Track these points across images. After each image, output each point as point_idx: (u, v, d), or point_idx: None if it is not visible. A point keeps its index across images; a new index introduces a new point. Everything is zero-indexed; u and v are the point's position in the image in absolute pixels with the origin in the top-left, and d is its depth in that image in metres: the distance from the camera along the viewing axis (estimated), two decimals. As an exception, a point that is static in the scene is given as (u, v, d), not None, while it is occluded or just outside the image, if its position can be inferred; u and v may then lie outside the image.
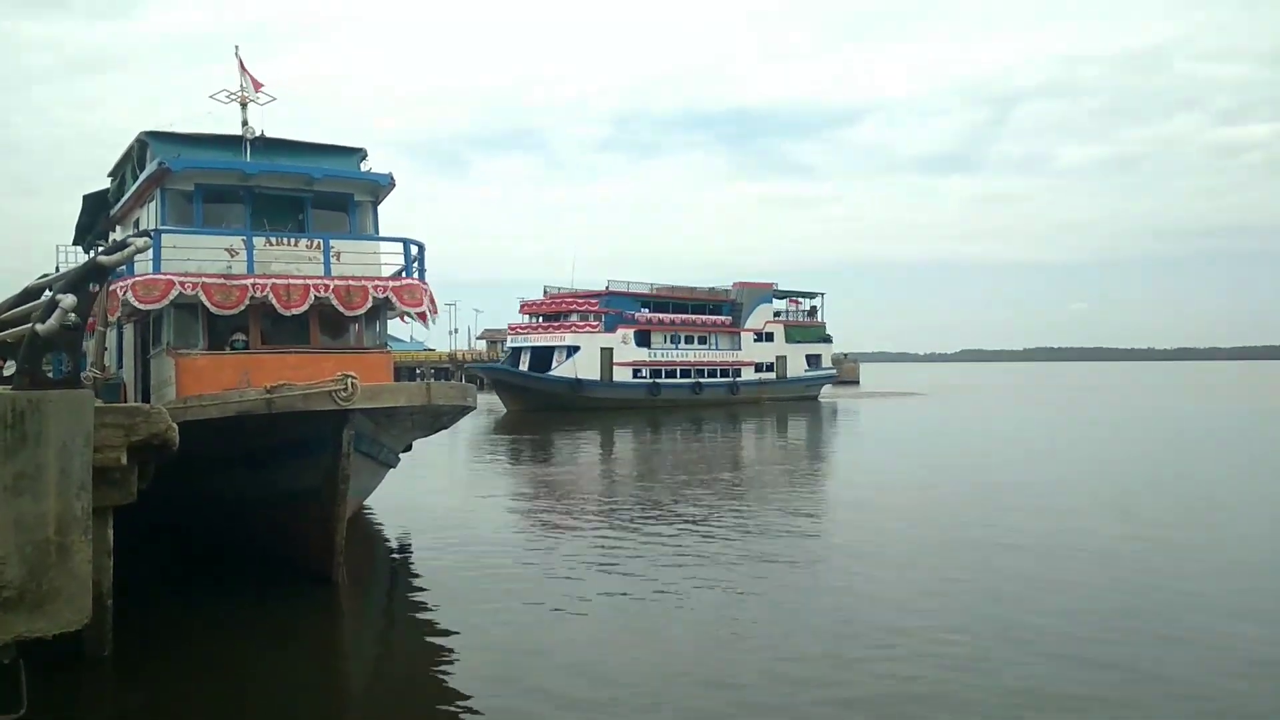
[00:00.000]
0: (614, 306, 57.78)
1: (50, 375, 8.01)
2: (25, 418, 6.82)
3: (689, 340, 61.22)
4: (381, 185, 17.15)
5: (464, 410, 14.41)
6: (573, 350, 55.29)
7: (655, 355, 58.43)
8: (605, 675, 8.92)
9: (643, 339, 58.39)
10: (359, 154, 18.06)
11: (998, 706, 7.99)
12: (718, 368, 61.82)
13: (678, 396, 57.78)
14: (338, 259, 15.85)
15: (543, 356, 56.46)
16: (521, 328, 60.08)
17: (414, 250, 16.88)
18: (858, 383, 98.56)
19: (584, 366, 54.38)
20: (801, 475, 24.95)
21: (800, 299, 71.28)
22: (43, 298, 9.42)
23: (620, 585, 12.29)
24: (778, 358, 65.35)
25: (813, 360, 68.11)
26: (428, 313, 16.79)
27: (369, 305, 15.63)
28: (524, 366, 57.03)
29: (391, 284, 16.01)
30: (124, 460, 8.46)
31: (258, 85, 17.39)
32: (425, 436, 16.01)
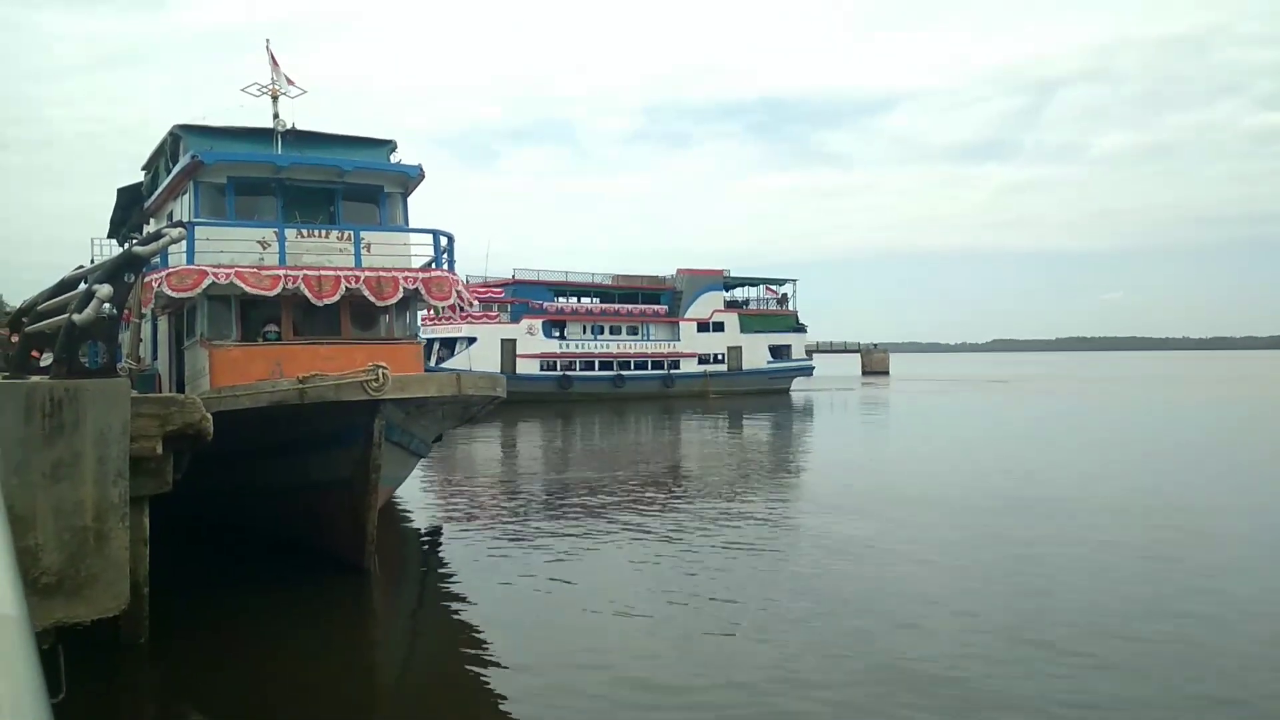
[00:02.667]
0: (521, 296, 55.76)
1: (87, 365, 8.10)
2: (63, 406, 6.91)
3: (615, 330, 58.48)
4: (411, 177, 17.22)
5: (493, 400, 14.45)
6: (471, 341, 53.16)
7: (569, 346, 55.53)
8: (635, 667, 8.92)
9: (556, 330, 55.85)
10: (389, 146, 18.15)
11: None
12: (649, 359, 58.57)
13: (596, 389, 55.08)
14: (368, 250, 15.95)
15: (450, 348, 53.85)
16: (429, 319, 57.18)
17: (443, 241, 16.96)
18: (887, 374, 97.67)
19: (480, 358, 50.98)
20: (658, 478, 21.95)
21: (771, 286, 67.32)
22: (79, 288, 9.53)
23: (640, 577, 12.28)
24: (730, 348, 61.59)
25: (780, 351, 64.63)
26: (456, 305, 16.88)
27: (399, 296, 15.72)
28: (432, 360, 53.56)
29: (422, 275, 16.10)
30: (159, 450, 8.55)
31: (289, 81, 17.50)
32: (455, 427, 16.07)
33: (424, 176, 17.33)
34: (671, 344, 59.85)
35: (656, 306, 60.89)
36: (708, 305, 61.60)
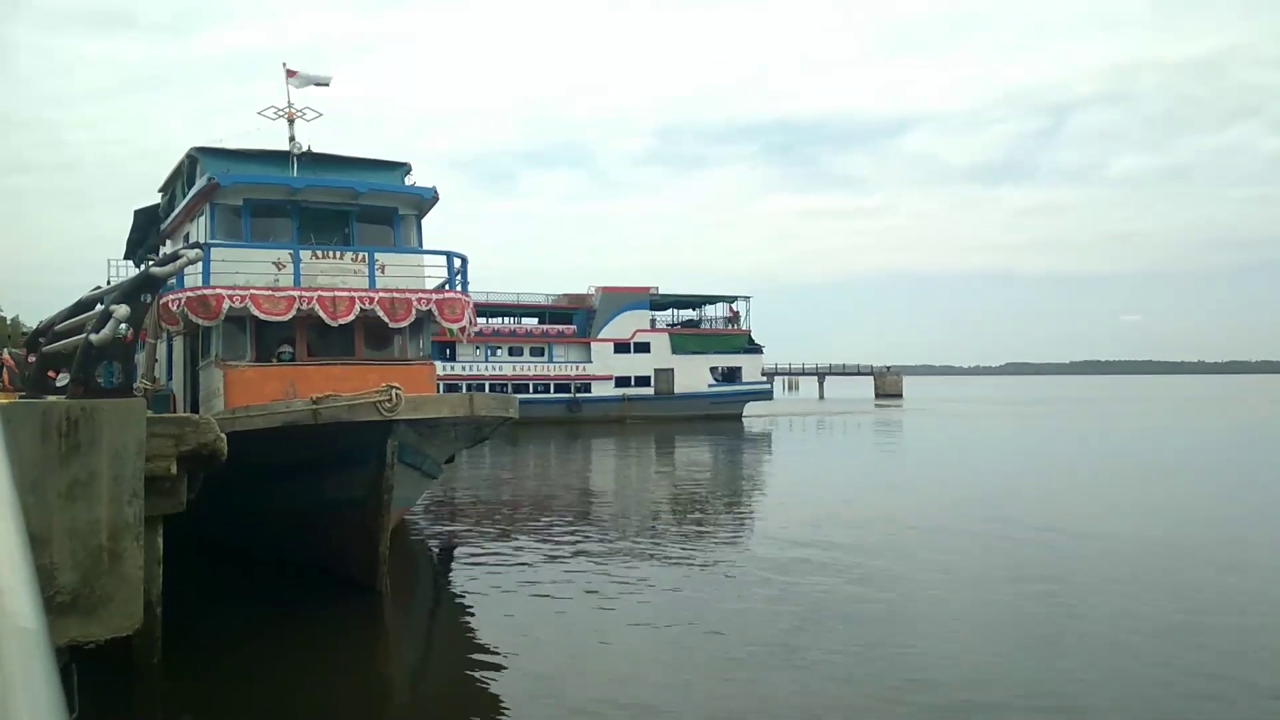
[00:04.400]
0: None
1: (103, 385, 8.15)
2: (79, 426, 6.95)
3: (515, 352, 54.02)
4: (425, 199, 17.32)
5: (505, 421, 14.46)
6: None
7: (456, 369, 50.23)
8: (647, 690, 8.87)
9: (444, 350, 49.51)
10: (403, 169, 18.28)
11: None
12: (550, 382, 53.92)
13: None
14: (382, 272, 16.03)
15: None
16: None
17: (457, 263, 17.04)
18: (900, 396, 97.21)
19: None
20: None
21: (714, 304, 62.34)
22: (96, 309, 9.61)
23: (651, 600, 12.23)
24: (658, 371, 56.27)
25: (727, 374, 59.32)
26: (467, 326, 16.95)
27: (413, 318, 15.79)
28: None
29: (435, 297, 16.17)
30: (174, 470, 8.58)
31: (318, 81, 17.62)
32: (468, 448, 16.08)
33: (438, 198, 17.44)
34: (580, 366, 55.02)
35: (564, 326, 56.53)
36: (629, 325, 56.40)
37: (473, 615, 11.75)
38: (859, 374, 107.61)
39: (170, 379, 17.24)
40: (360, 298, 15.34)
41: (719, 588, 12.68)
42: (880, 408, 75.67)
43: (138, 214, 21.69)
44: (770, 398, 63.67)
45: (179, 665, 9.28)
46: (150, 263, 10.94)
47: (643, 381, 56.21)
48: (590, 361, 55.46)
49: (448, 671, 9.99)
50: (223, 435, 9.19)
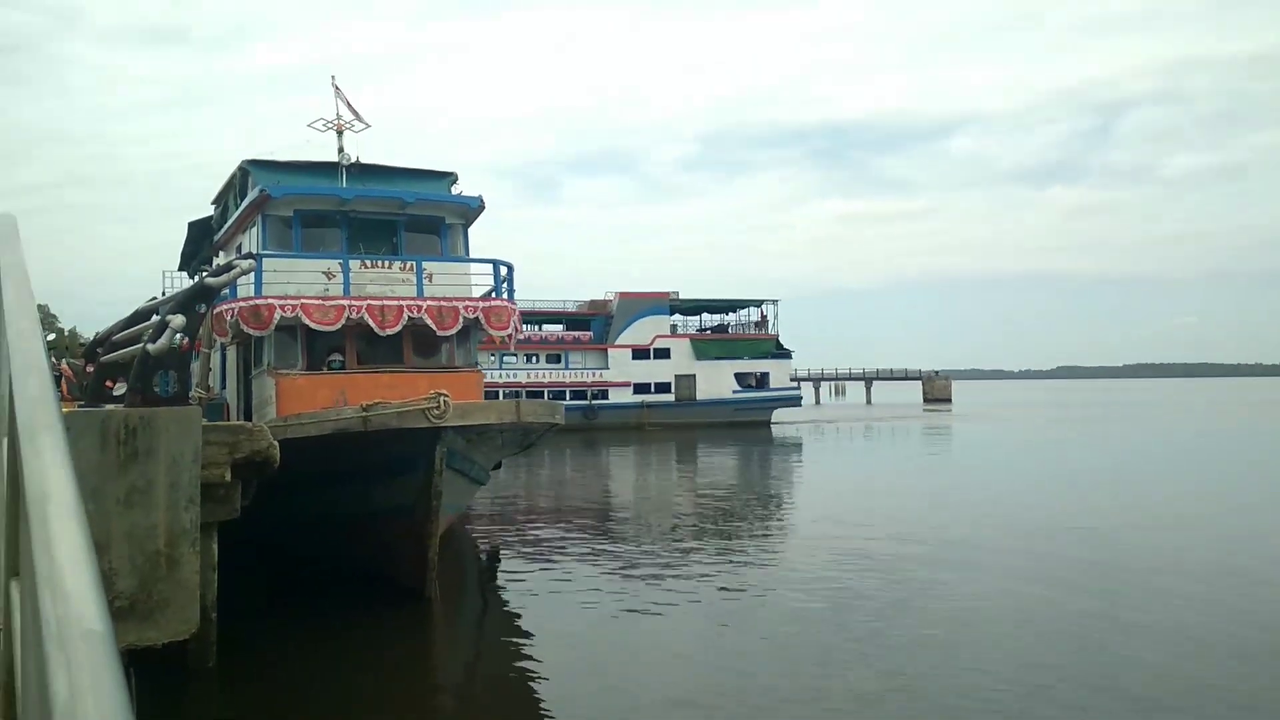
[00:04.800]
0: None
1: (159, 393, 8.31)
2: (137, 434, 7.09)
3: (530, 359, 53.14)
4: (471, 208, 17.47)
5: (552, 427, 14.52)
6: None
7: None
8: (697, 696, 8.83)
9: None
10: (450, 178, 18.46)
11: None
12: (566, 389, 52.22)
13: None
14: (430, 280, 16.20)
15: None
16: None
17: (503, 271, 17.16)
18: (949, 401, 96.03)
19: None
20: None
21: (736, 309, 60.71)
22: (152, 319, 9.81)
23: (701, 599, 12.18)
24: (678, 376, 54.96)
25: (755, 380, 57.71)
26: (513, 333, 17.06)
27: (460, 325, 15.92)
28: None
29: (482, 305, 16.30)
30: (228, 477, 8.73)
31: (355, 115, 17.90)
32: (514, 454, 16.17)
33: (484, 207, 17.58)
34: (597, 372, 54.10)
35: (580, 333, 55.46)
36: (648, 330, 55.26)
37: (522, 621, 11.79)
38: (907, 379, 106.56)
39: (224, 388, 17.54)
40: (408, 306, 15.51)
41: (767, 595, 12.60)
42: (928, 413, 74.65)
43: (191, 226, 22.12)
44: (799, 404, 61.98)
45: (233, 669, 9.42)
46: (205, 274, 11.15)
47: (663, 388, 55.01)
48: (607, 368, 54.38)
49: (498, 677, 10.02)
50: (275, 443, 9.32)
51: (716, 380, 55.97)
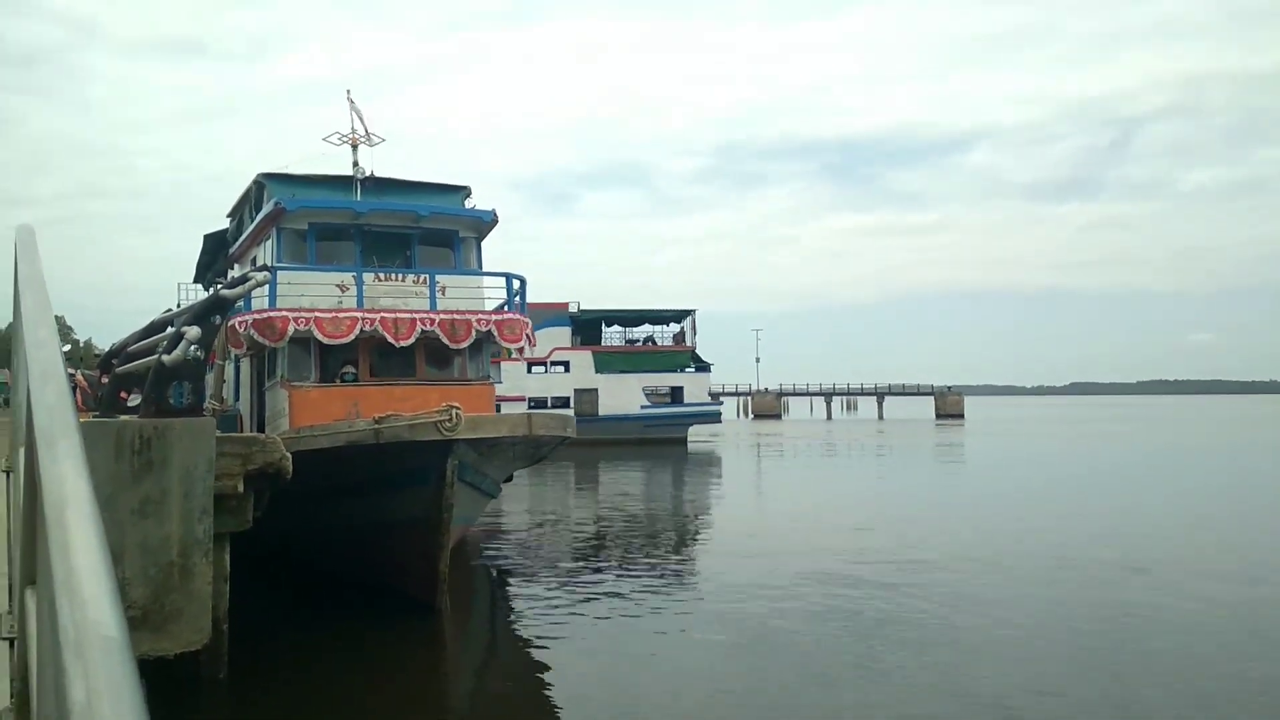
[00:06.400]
0: None
1: (174, 404, 8.35)
2: (151, 444, 7.12)
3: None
4: (485, 221, 17.55)
5: (563, 440, 14.53)
6: None
7: None
8: (709, 709, 8.78)
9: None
10: (463, 192, 18.55)
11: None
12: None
13: None
14: (443, 293, 16.26)
15: None
16: None
17: (516, 285, 17.22)
18: (961, 416, 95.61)
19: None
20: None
21: (650, 320, 57.03)
22: (167, 331, 9.86)
23: (717, 617, 12.14)
24: (578, 391, 52.03)
25: (663, 394, 54.56)
26: (525, 346, 17.11)
27: (473, 339, 15.97)
28: None
29: (494, 318, 16.35)
30: (241, 488, 8.75)
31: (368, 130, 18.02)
32: (526, 467, 16.19)
33: (497, 221, 17.65)
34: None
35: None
36: (545, 343, 50.93)
37: (532, 634, 11.76)
38: (919, 394, 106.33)
39: (238, 399, 17.62)
40: (421, 319, 15.56)
41: (774, 607, 12.54)
42: (940, 427, 74.32)
43: (207, 239, 22.27)
44: (718, 420, 58.26)
45: (245, 680, 9.42)
46: (220, 286, 11.22)
47: (561, 403, 51.12)
48: (500, 382, 51.71)
49: (508, 690, 10.00)
50: (288, 454, 9.36)
51: (622, 395, 52.55)
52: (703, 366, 55.98)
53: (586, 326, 55.33)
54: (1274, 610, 12.42)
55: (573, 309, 54.13)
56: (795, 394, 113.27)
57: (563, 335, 53.44)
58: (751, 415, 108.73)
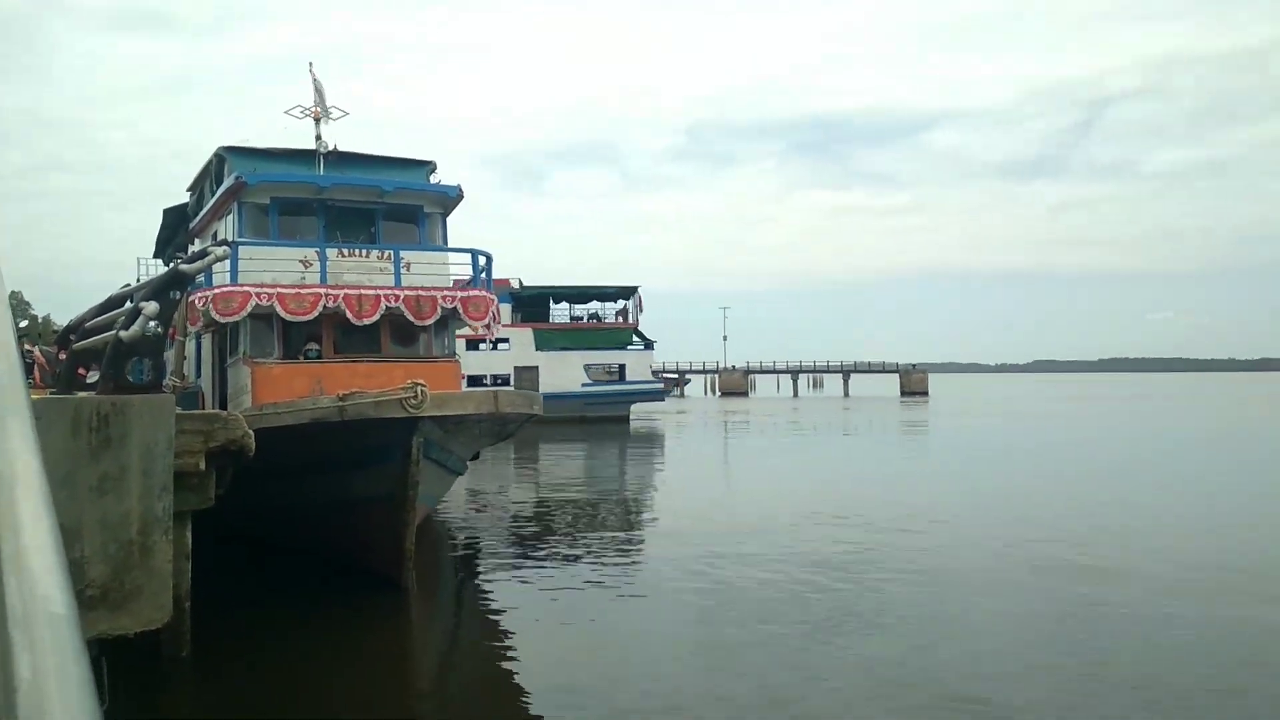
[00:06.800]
0: None
1: (132, 381, 8.24)
2: (110, 421, 7.03)
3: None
4: (450, 197, 17.43)
5: (530, 418, 14.52)
6: None
7: None
8: (675, 687, 8.86)
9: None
10: (428, 167, 18.40)
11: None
12: None
13: None
14: (408, 270, 16.14)
15: None
16: None
17: (482, 261, 17.13)
18: (926, 394, 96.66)
19: None
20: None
21: (594, 297, 56.49)
22: (125, 306, 9.73)
23: (680, 592, 12.23)
24: (518, 369, 50.85)
25: (609, 371, 54.18)
26: (491, 324, 17.06)
27: (438, 315, 15.89)
28: None
29: (459, 295, 16.27)
30: (202, 465, 8.67)
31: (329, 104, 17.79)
32: (492, 445, 16.17)
33: (463, 196, 17.53)
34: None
35: None
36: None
37: (497, 612, 11.81)
38: (885, 372, 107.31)
39: (199, 376, 17.43)
40: (386, 296, 15.46)
41: (742, 587, 12.65)
42: (905, 405, 75.09)
43: (167, 213, 21.94)
44: (661, 398, 57.99)
45: (207, 659, 9.38)
46: (179, 260, 11.07)
47: (501, 380, 49.94)
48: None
49: (474, 668, 10.03)
50: (250, 431, 9.28)
51: (563, 373, 51.67)
52: (644, 344, 55.80)
53: (530, 303, 54.56)
54: (1241, 592, 12.70)
55: (514, 285, 53.39)
56: (762, 371, 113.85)
57: (504, 312, 52.16)
58: (719, 393, 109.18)
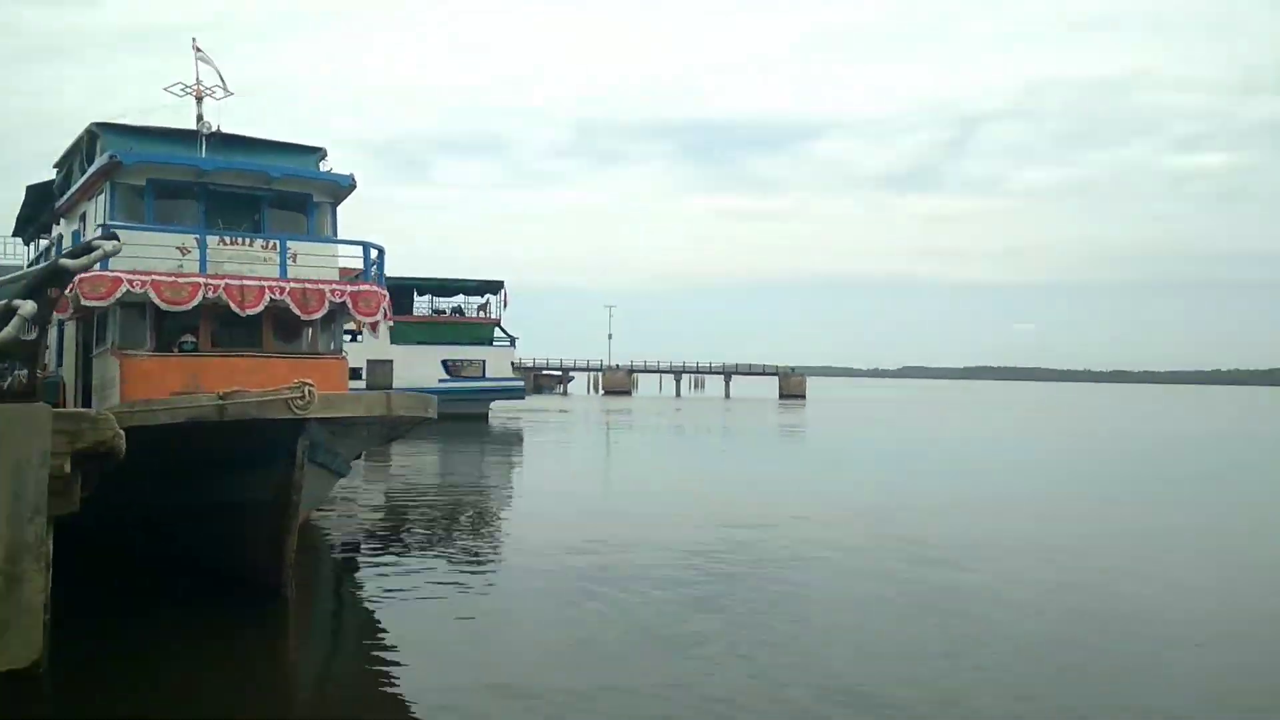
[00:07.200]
0: None
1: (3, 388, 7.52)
2: (-30, 430, 6.41)
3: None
4: (342, 186, 16.80)
5: (422, 421, 14.10)
6: None
7: None
8: (551, 686, 8.69)
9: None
10: (319, 153, 17.69)
11: None
12: None
13: None
14: (294, 261, 15.46)
15: None
16: None
17: (374, 254, 16.56)
18: (804, 396, 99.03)
19: None
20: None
21: (455, 290, 54.62)
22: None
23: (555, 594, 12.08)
24: (371, 362, 47.97)
25: (469, 368, 52.14)
26: (381, 320, 16.51)
27: (325, 310, 15.27)
28: None
29: (349, 289, 15.67)
30: (68, 469, 8.07)
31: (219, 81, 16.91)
32: (380, 446, 15.69)
33: (355, 186, 16.93)
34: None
35: None
36: None
37: (378, 618, 11.47)
38: (765, 374, 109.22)
39: (60, 366, 16.35)
40: (270, 287, 14.76)
41: (610, 582, 12.59)
42: (784, 408, 76.69)
43: (30, 190, 20.48)
44: (522, 396, 56.39)
45: (71, 672, 8.75)
46: (60, 255, 10.30)
47: (353, 374, 48.84)
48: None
49: (353, 678, 9.67)
50: (121, 433, 8.68)
51: (419, 367, 49.50)
52: (506, 340, 54.53)
53: (390, 294, 52.06)
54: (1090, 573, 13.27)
55: None
56: (646, 371, 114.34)
57: None
58: (602, 391, 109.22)
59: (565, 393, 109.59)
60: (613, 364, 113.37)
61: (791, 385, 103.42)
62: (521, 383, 57.11)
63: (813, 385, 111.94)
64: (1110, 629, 11.32)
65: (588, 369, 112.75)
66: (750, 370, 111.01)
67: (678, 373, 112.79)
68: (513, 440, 40.89)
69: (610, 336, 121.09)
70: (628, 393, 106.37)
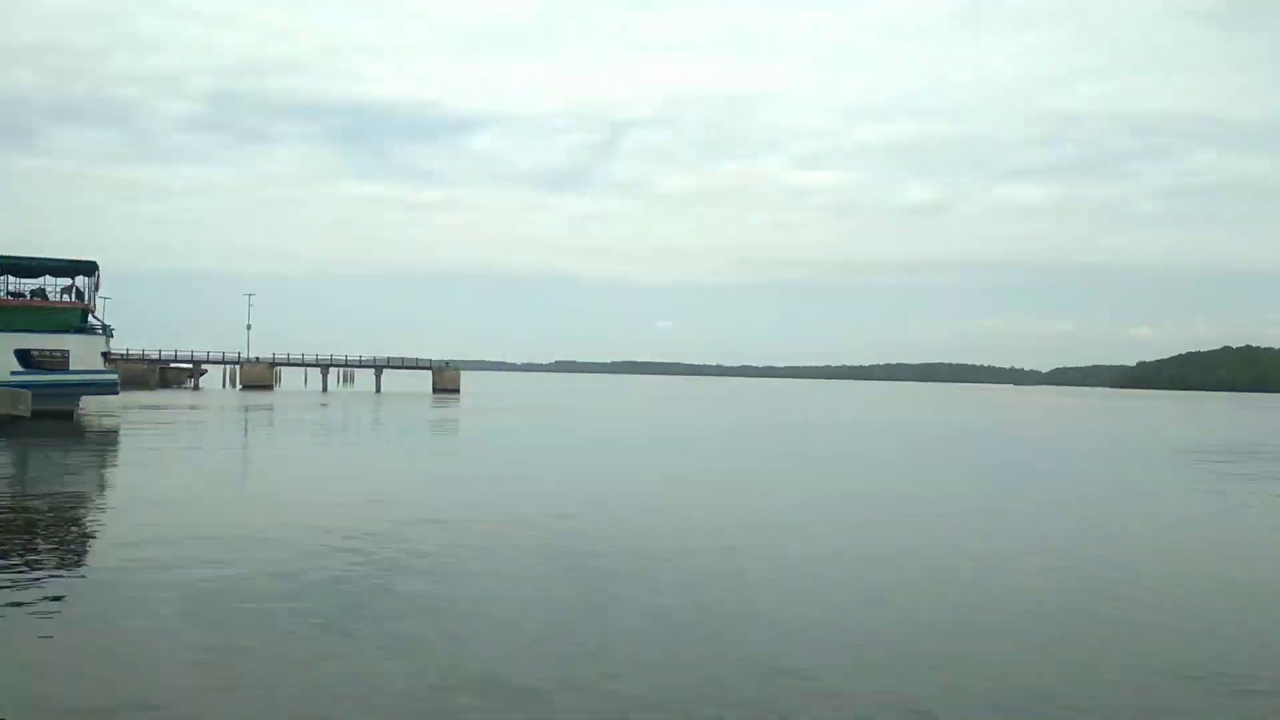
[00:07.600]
0: None
1: None
2: None
3: None
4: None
5: (11, 420, 12.20)
6: None
7: None
8: (170, 689, 7.81)
9: None
10: None
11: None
12: None
13: None
14: None
15: None
16: None
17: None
18: (458, 391, 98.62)
19: None
20: None
21: (47, 272, 48.25)
22: None
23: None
24: None
25: (49, 357, 45.99)
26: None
27: None
28: None
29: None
30: None
31: None
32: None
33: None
34: None
35: None
36: None
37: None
38: (418, 368, 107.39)
39: None
40: None
41: (222, 587, 11.68)
42: (438, 403, 75.77)
43: None
44: (115, 391, 50.57)
45: None
46: None
47: None
48: None
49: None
50: None
51: None
52: (96, 329, 49.13)
53: None
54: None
55: None
56: (290, 364, 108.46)
57: None
58: (240, 385, 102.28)
59: (197, 387, 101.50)
60: (252, 356, 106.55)
61: (445, 380, 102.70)
62: (115, 376, 51.17)
63: (467, 379, 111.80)
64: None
65: (224, 361, 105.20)
66: (403, 364, 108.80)
67: (325, 366, 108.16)
68: (106, 440, 36.68)
69: (249, 327, 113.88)
70: (269, 387, 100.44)
